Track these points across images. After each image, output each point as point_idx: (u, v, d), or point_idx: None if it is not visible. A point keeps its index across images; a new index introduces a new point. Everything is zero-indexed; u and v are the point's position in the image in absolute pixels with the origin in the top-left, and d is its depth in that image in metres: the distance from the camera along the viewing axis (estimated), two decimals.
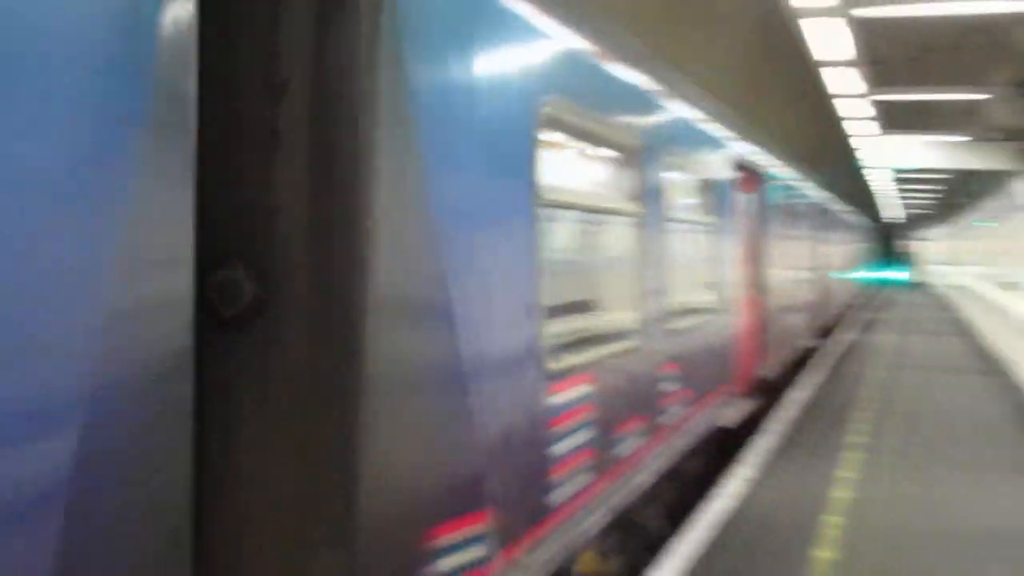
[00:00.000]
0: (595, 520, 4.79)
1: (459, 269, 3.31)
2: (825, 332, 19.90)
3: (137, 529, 2.13)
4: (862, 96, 12.15)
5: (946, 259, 35.97)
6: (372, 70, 2.81)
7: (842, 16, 8.45)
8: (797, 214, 13.78)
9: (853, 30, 9.22)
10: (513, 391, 3.83)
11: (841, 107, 14.23)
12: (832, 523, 7.15)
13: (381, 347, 2.87)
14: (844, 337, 21.30)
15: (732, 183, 8.71)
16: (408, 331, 3.07)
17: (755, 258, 10.30)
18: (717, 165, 8.01)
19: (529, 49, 4.03)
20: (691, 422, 7.07)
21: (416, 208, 3.07)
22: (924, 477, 8.71)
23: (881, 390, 13.60)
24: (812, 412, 11.60)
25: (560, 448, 4.29)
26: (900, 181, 30.47)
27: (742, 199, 9.40)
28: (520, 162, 3.89)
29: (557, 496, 4.26)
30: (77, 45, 1.93)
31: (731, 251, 8.73)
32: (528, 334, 3.93)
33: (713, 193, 7.87)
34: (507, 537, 3.66)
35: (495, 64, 3.70)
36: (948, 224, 33.66)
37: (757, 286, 10.38)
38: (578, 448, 4.52)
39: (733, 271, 8.84)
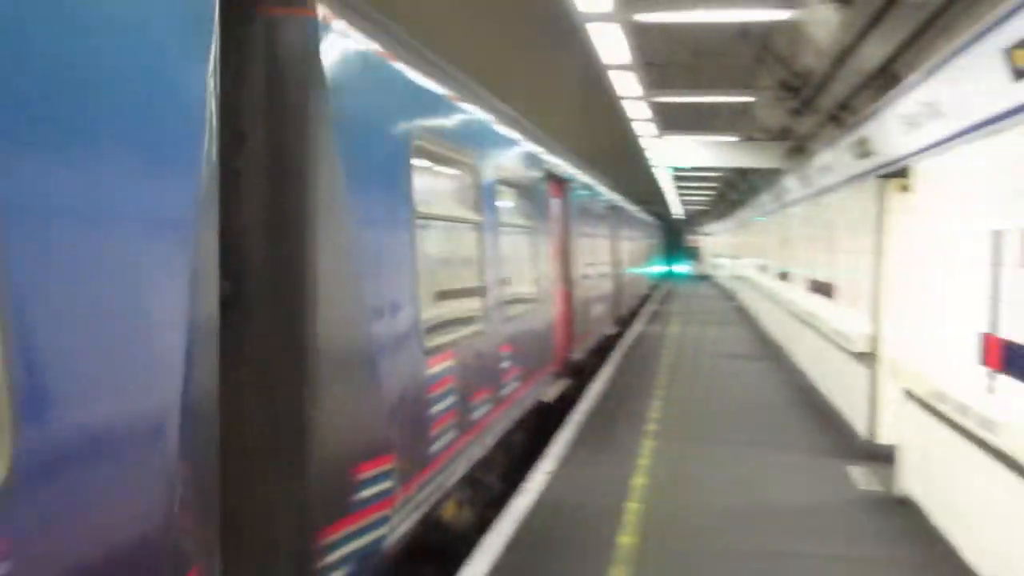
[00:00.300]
0: (459, 470, 6.02)
1: (370, 269, 4.43)
2: (623, 322, 21.74)
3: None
4: (640, 98, 12.74)
5: (729, 253, 38.09)
6: (307, 125, 3.93)
7: (619, 21, 8.85)
8: (596, 215, 15.54)
9: (631, 35, 9.68)
10: (406, 364, 4.95)
11: (628, 109, 14.85)
12: (632, 509, 7.47)
13: (321, 329, 3.97)
14: (638, 327, 22.26)
15: (544, 190, 10.03)
16: (339, 317, 4.13)
17: (564, 255, 11.82)
18: (532, 176, 9.32)
19: (405, 97, 5.24)
20: (522, 395, 8.42)
21: (342, 225, 4.13)
22: (713, 458, 9.23)
23: (672, 377, 14.29)
24: (610, 402, 12.10)
25: (436, 409, 5.47)
26: (682, 179, 32.02)
27: (552, 204, 10.73)
28: (403, 185, 5.03)
29: (435, 448, 5.45)
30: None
31: (547, 250, 10.11)
32: (413, 320, 5.05)
33: (530, 200, 9.21)
34: (405, 477, 4.82)
35: (387, 111, 4.92)
36: (730, 219, 35.68)
37: (566, 280, 11.96)
38: (447, 410, 5.71)
39: (549, 267, 10.23)
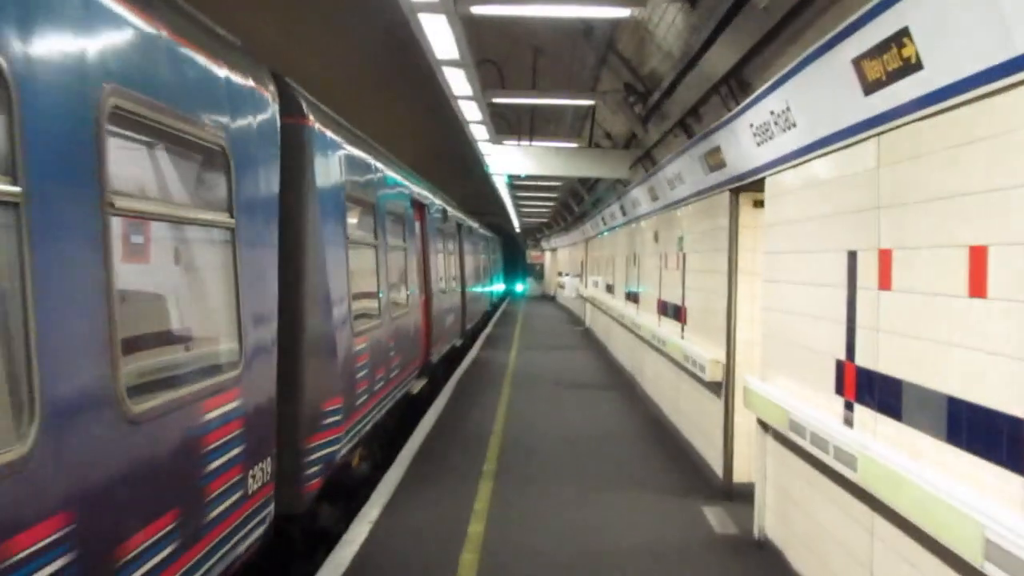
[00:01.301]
0: (367, 426, 9.38)
1: (329, 275, 7.74)
2: (467, 336, 24.77)
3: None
4: (471, 98, 12.87)
5: (574, 270, 38.83)
6: (302, 183, 7.37)
7: (452, 12, 8.90)
8: (446, 233, 19.52)
9: (466, 28, 9.76)
10: (347, 339, 8.35)
11: (463, 111, 15.04)
12: (467, 562, 7.48)
13: (310, 319, 7.40)
14: (476, 351, 22.44)
15: (411, 215, 13.63)
16: (321, 310, 7.55)
17: (424, 270, 15.32)
18: (404, 205, 12.89)
19: (342, 161, 8.65)
20: (402, 380, 11.94)
21: (320, 247, 7.54)
22: (559, 500, 9.35)
23: (513, 408, 14.42)
24: (445, 435, 12.12)
25: (360, 375, 8.88)
26: (522, 189, 32.39)
27: (415, 225, 14.34)
28: (343, 219, 8.47)
29: (359, 402, 8.79)
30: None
31: (414, 264, 13.65)
32: (349, 310, 8.47)
33: (403, 225, 12.71)
34: (347, 413, 8.19)
35: (336, 172, 8.36)
36: (575, 232, 36.35)
37: (426, 291, 15.44)
38: (364, 377, 9.09)
39: (415, 279, 13.77)
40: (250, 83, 6.04)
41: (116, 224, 4.10)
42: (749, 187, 8.90)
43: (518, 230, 58.86)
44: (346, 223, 8.58)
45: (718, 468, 10.02)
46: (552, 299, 53.72)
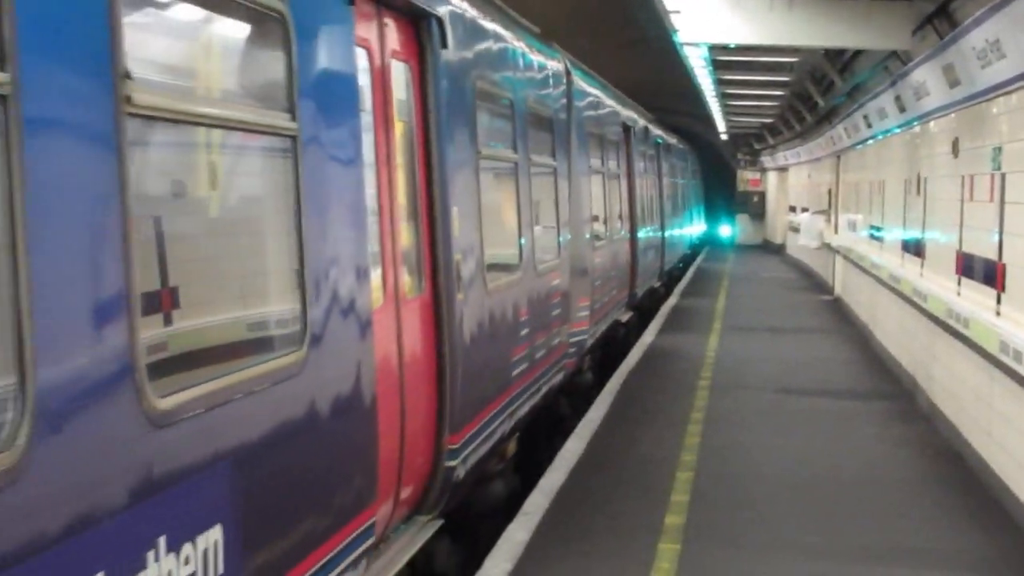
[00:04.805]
0: (598, 330, 19.61)
1: (582, 200, 18.06)
2: (665, 281, 34.09)
3: None
4: None
5: (817, 203, 38.21)
6: (571, 125, 17.23)
7: None
8: (647, 156, 28.74)
9: None
10: (591, 253, 18.80)
11: None
12: None
13: (573, 232, 16.92)
14: (651, 336, 23.91)
15: (621, 140, 23.09)
16: (575, 227, 17.04)
17: (631, 199, 24.84)
18: (618, 132, 22.86)
19: (586, 103, 18.89)
20: (616, 303, 22.39)
21: (579, 177, 17.70)
22: None
23: (708, 436, 14.47)
24: (597, 481, 12.11)
25: (596, 283, 19.30)
26: (728, 68, 31.94)
27: (623, 152, 23.59)
28: (588, 153, 19.02)
29: (596, 306, 19.14)
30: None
31: (625, 194, 23.96)
32: (591, 231, 18.98)
33: (617, 151, 22.52)
34: (590, 313, 18.46)
35: (584, 112, 18.89)
36: (820, 143, 35.76)
37: (632, 223, 24.85)
38: (598, 288, 19.52)
39: (625, 208, 24.06)
40: (559, 67, 15.06)
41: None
42: None
43: (724, 138, 58.43)
44: (589, 155, 18.06)
45: None
46: (779, 250, 53.01)
